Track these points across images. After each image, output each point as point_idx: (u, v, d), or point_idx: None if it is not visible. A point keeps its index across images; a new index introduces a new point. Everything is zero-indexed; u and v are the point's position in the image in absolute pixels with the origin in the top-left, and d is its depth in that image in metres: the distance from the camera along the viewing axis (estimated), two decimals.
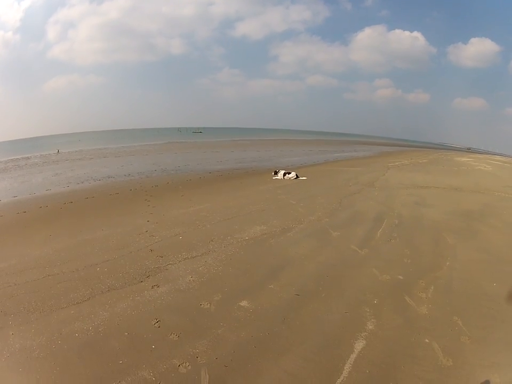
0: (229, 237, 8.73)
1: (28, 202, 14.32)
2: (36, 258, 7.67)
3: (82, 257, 7.60)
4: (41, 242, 8.74)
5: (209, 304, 5.65)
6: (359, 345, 4.71)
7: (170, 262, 7.25)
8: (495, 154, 62.93)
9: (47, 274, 6.80)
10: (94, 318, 5.26)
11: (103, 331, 4.96)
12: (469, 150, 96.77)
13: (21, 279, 6.61)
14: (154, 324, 5.09)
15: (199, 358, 4.39)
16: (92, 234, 9.12)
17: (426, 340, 4.85)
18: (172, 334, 4.85)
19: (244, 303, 5.67)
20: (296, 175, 18.72)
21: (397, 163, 28.61)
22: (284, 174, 18.82)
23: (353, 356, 4.49)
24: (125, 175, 21.06)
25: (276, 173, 19.36)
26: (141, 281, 6.42)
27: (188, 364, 4.27)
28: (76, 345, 4.66)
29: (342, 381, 4.09)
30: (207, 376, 4.07)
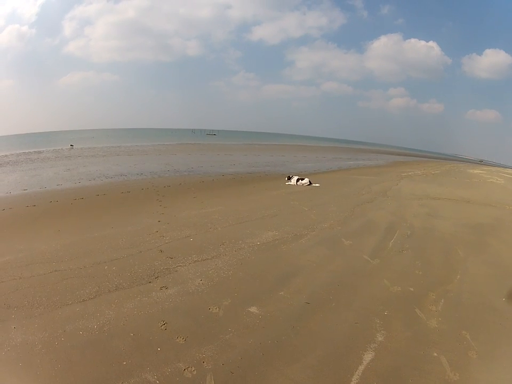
0: (240, 241, 8.66)
1: (38, 196, 14.40)
2: (43, 252, 7.66)
3: (91, 254, 7.56)
4: (50, 237, 8.74)
5: (218, 308, 5.58)
6: (368, 356, 4.63)
7: (180, 264, 7.19)
8: (507, 167, 62.65)
9: (53, 269, 6.78)
10: (100, 317, 5.21)
11: (108, 330, 4.91)
12: (481, 162, 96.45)
13: (27, 273, 6.59)
14: (161, 326, 5.03)
15: (205, 363, 4.32)
16: (101, 232, 9.09)
17: (435, 354, 4.78)
18: (179, 337, 4.79)
19: (253, 309, 5.60)
20: (310, 181, 18.69)
21: (410, 173, 28.57)
22: (297, 180, 18.82)
23: (361, 368, 4.42)
24: (137, 174, 21.14)
25: (289, 178, 19.38)
26: (149, 282, 6.36)
27: (193, 368, 4.20)
28: (79, 343, 4.62)
29: None
30: (213, 382, 4.00)
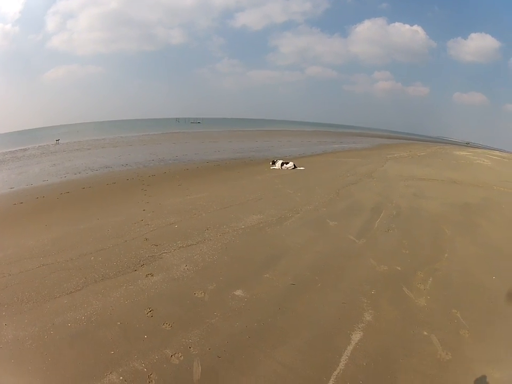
0: (224, 226, 8.67)
1: (25, 193, 14.27)
2: (31, 248, 7.61)
3: (77, 246, 7.53)
4: (37, 232, 8.70)
5: (203, 293, 5.59)
6: (356, 336, 4.67)
7: (165, 251, 7.19)
8: (494, 150, 63.04)
9: (41, 264, 6.74)
10: (87, 308, 5.20)
11: (95, 321, 4.90)
12: (468, 145, 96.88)
13: (16, 269, 6.55)
14: (147, 314, 5.03)
15: (191, 348, 4.33)
16: (88, 224, 9.06)
17: (425, 333, 4.82)
18: (165, 324, 4.79)
19: (238, 293, 5.61)
20: (294, 165, 18.68)
21: (395, 155, 28.62)
22: (282, 164, 18.81)
23: (349, 348, 4.45)
24: (122, 165, 21.02)
25: (273, 163, 19.32)
26: (135, 270, 6.35)
27: (180, 354, 4.21)
28: (68, 335, 4.61)
29: (338, 373, 4.04)
30: (200, 367, 4.01)
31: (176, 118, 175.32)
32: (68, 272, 6.31)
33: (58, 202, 12.20)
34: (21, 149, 40.03)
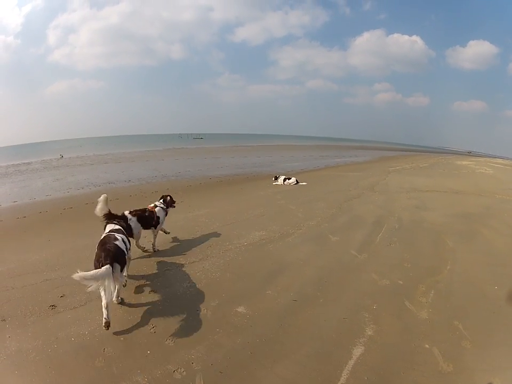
0: (227, 243, 8.72)
1: (28, 207, 14.47)
2: (34, 262, 7.71)
3: (81, 262, 7.47)
4: (40, 247, 8.80)
5: (206, 309, 5.62)
6: (357, 351, 4.67)
7: (168, 268, 7.24)
8: (496, 157, 63.10)
9: (44, 278, 6.83)
10: (91, 323, 5.24)
11: (99, 336, 4.94)
12: (469, 154, 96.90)
13: (19, 283, 6.63)
14: (151, 330, 5.06)
15: (194, 364, 4.35)
16: (91, 239, 8.98)
17: (427, 345, 4.81)
18: (168, 340, 4.81)
19: (240, 309, 5.64)
20: (296, 180, 18.83)
21: (397, 167, 28.73)
22: (284, 180, 18.99)
23: (351, 362, 4.45)
24: (125, 181, 21.15)
25: (276, 178, 19.52)
26: (138, 287, 6.41)
27: (183, 369, 4.23)
28: (71, 349, 4.65)
29: None
30: (202, 382, 4.04)
31: (179, 134, 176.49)
32: (71, 287, 6.33)
33: (62, 218, 12.35)
34: (24, 163, 40.37)
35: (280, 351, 4.65)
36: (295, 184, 18.68)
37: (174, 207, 9.14)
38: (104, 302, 5.00)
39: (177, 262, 7.58)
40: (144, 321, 5.28)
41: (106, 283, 5.01)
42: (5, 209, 14.35)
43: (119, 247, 5.56)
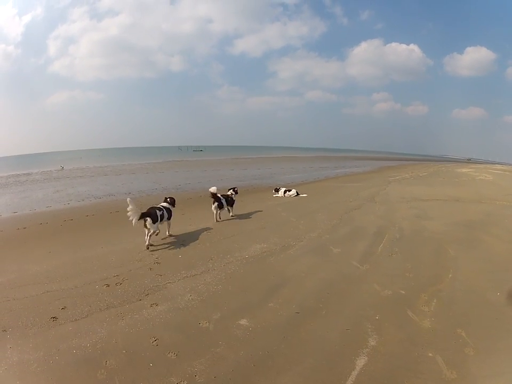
0: (228, 256, 8.69)
1: (28, 218, 14.55)
2: (35, 274, 7.73)
3: (82, 274, 7.60)
4: (41, 259, 8.81)
5: (208, 322, 5.59)
6: (360, 361, 4.64)
7: (169, 281, 7.21)
8: (495, 164, 63.30)
9: (45, 290, 6.83)
10: (92, 335, 5.22)
11: (100, 348, 4.92)
12: (469, 161, 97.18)
13: (20, 294, 6.64)
14: (153, 342, 5.03)
15: (197, 376, 4.32)
16: (92, 252, 9.12)
17: (430, 354, 4.79)
18: (170, 353, 4.79)
19: (243, 322, 5.61)
20: (297, 192, 18.79)
21: (397, 177, 28.77)
22: (285, 192, 18.95)
23: (354, 373, 4.42)
24: (125, 193, 21.15)
25: (276, 190, 19.48)
26: (140, 300, 6.38)
27: (185, 382, 4.21)
28: (73, 361, 4.63)
29: None
30: None
31: (179, 146, 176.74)
32: (72, 299, 6.37)
33: (62, 229, 12.38)
34: (24, 173, 40.74)
35: (284, 363, 4.62)
36: (296, 196, 18.63)
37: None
38: (146, 237, 9.49)
39: (179, 274, 7.55)
40: (146, 334, 5.25)
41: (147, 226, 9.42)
42: (5, 220, 14.45)
43: (153, 210, 9.80)
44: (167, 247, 9.41)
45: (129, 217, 9.25)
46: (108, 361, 4.61)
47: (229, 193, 13.61)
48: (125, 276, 7.50)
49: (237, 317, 5.77)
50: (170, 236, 10.68)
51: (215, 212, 12.74)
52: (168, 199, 11.29)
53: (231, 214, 13.43)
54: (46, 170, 44.80)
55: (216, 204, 12.62)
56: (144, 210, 9.62)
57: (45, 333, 5.32)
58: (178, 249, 9.31)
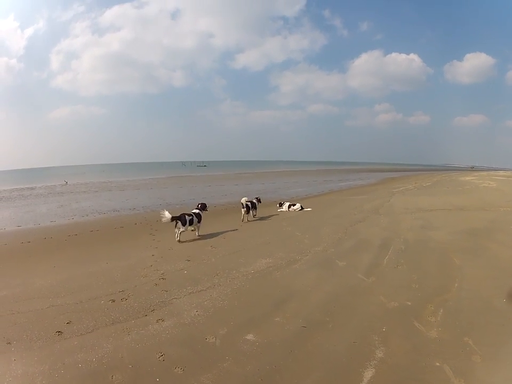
0: (234, 271, 8.63)
1: (32, 232, 14.74)
2: (39, 288, 7.76)
3: (87, 289, 7.61)
4: (45, 273, 8.87)
5: (214, 338, 5.54)
6: (368, 374, 4.60)
7: (175, 296, 7.17)
8: (498, 170, 63.42)
9: (50, 304, 6.84)
10: (98, 350, 5.19)
11: (106, 363, 4.88)
12: (472, 169, 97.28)
13: (24, 308, 6.67)
14: (159, 357, 5.00)
15: None
16: (97, 267, 9.14)
17: (437, 363, 4.75)
18: (177, 368, 4.76)
19: (249, 337, 5.56)
20: (301, 206, 18.91)
21: (401, 188, 28.84)
22: (289, 206, 19.09)
23: None
24: (129, 209, 21.36)
25: (280, 205, 19.66)
26: (146, 315, 6.34)
27: None
28: (78, 376, 4.61)
29: None
30: None
31: (182, 162, 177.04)
32: (77, 314, 6.37)
33: (67, 244, 12.53)
34: (28, 187, 41.20)
35: (291, 377, 4.59)
36: (300, 210, 18.69)
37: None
38: (176, 234, 12.17)
39: (185, 290, 7.50)
40: (152, 349, 5.21)
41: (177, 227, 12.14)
42: (9, 233, 14.65)
43: (183, 215, 12.25)
44: (172, 263, 9.37)
45: (161, 219, 12.34)
46: (114, 376, 4.58)
47: (254, 200, 17.07)
48: (130, 291, 7.47)
49: (243, 331, 5.72)
50: (198, 236, 12.89)
51: (244, 214, 16.12)
52: (199, 205, 13.68)
53: (254, 215, 16.98)
54: (50, 185, 45.21)
55: (245, 209, 15.95)
56: (177, 215, 12.20)
57: (50, 347, 5.30)
58: (183, 264, 9.26)
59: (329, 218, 15.70)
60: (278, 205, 19.79)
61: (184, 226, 12.16)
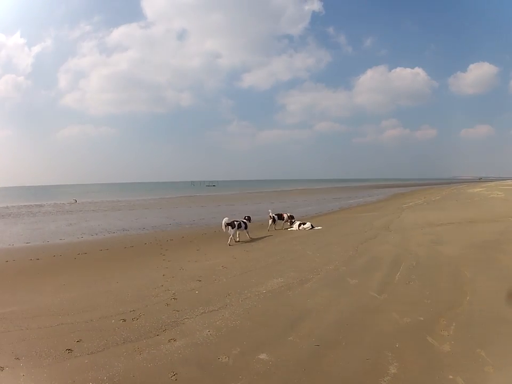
0: (246, 291, 8.57)
1: (41, 249, 14.92)
2: (48, 305, 7.80)
3: (97, 308, 7.63)
4: (54, 291, 8.92)
5: (227, 358, 5.48)
6: None
7: (187, 316, 7.12)
8: (506, 179, 63.37)
9: (60, 322, 6.85)
10: (109, 369, 5.15)
11: (118, 382, 4.85)
12: (480, 180, 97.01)
13: (33, 325, 6.70)
14: (171, 377, 4.96)
15: None
16: (107, 286, 9.16)
17: (450, 376, 4.72)
18: None
19: (263, 356, 5.51)
20: (311, 225, 18.83)
21: (410, 203, 28.82)
22: (299, 225, 19.03)
23: None
24: (139, 228, 21.43)
25: (291, 224, 19.51)
26: (157, 335, 6.29)
27: None
28: None
29: None
30: None
31: (192, 181, 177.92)
32: (88, 333, 6.36)
33: (76, 262, 12.61)
34: (37, 205, 41.68)
35: None
36: (310, 229, 18.59)
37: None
38: (229, 238, 15.15)
39: (196, 310, 7.44)
40: (164, 369, 5.17)
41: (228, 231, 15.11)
42: (18, 250, 14.90)
43: (234, 221, 15.05)
44: (183, 283, 9.35)
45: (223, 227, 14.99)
46: None
47: (286, 214, 20.25)
48: (142, 311, 7.44)
49: (256, 351, 5.66)
50: (250, 238, 16.22)
51: (270, 224, 19.54)
52: (246, 217, 16.88)
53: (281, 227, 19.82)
54: (58, 203, 45.44)
55: (271, 220, 19.47)
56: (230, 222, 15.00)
57: (60, 364, 5.29)
58: (194, 284, 9.22)
59: (340, 236, 15.68)
60: (288, 223, 19.72)
61: (233, 229, 15.06)
